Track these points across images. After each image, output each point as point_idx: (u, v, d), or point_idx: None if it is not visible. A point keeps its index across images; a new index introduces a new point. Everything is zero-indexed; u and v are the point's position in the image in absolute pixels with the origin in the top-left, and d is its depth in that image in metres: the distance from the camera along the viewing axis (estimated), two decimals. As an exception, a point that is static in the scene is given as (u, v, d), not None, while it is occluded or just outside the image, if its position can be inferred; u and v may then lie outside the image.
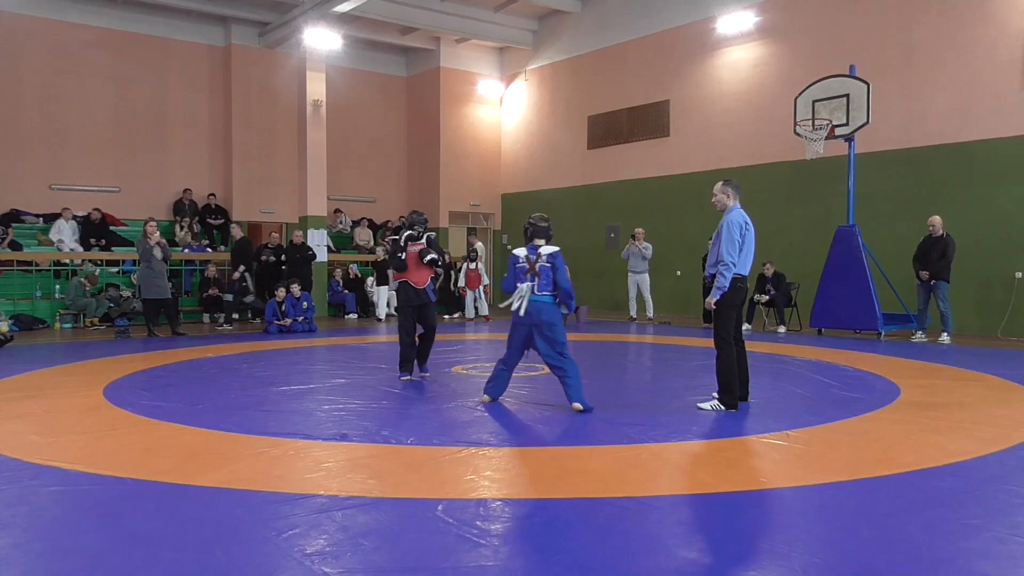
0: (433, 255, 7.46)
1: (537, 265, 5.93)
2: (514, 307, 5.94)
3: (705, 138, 15.63)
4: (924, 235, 11.27)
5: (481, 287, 15.91)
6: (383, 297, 15.16)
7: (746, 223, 5.90)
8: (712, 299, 5.95)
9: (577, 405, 5.88)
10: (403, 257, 7.42)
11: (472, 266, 15.75)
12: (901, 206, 12.78)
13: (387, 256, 7.72)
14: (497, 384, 6.28)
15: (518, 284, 6.00)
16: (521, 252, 6.07)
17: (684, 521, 3.56)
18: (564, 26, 18.69)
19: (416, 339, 7.65)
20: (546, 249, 5.98)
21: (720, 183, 6.15)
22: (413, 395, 6.89)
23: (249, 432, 5.24)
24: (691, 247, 15.17)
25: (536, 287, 5.91)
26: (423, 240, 7.53)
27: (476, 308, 15.91)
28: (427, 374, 7.80)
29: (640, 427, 5.43)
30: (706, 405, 5.94)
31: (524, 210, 19.42)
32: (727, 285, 5.79)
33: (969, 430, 5.32)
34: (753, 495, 3.94)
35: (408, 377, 7.57)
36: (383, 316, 15.07)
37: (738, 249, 5.80)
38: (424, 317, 7.57)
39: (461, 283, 15.88)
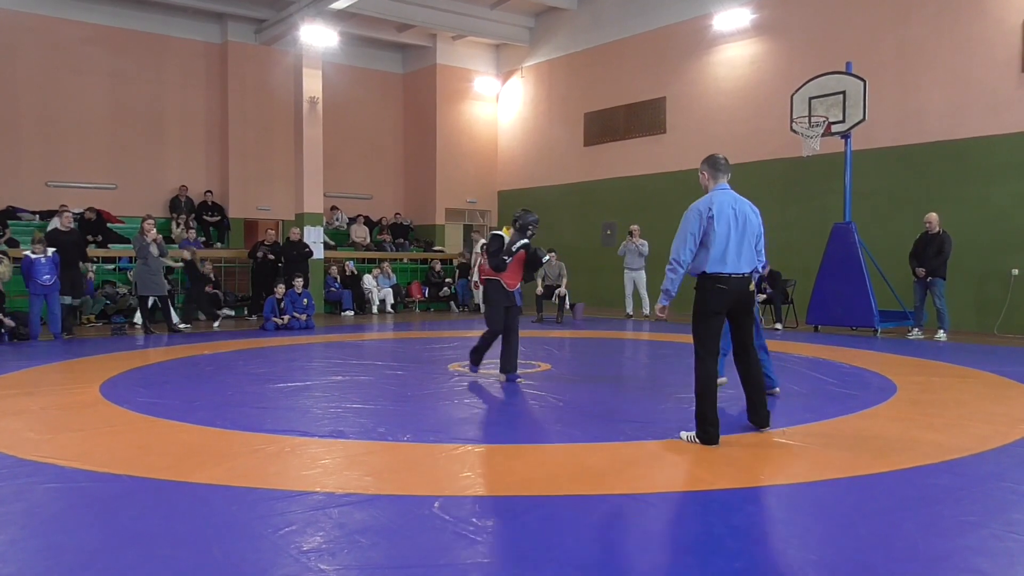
0: (542, 254, 7.48)
1: None
2: None
3: (701, 135, 15.61)
4: (920, 232, 11.28)
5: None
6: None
7: (711, 210, 4.88)
8: (658, 305, 5.32)
9: (776, 389, 6.28)
10: (508, 260, 7.29)
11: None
12: (897, 203, 12.79)
13: (485, 253, 7.61)
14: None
15: None
16: None
17: (680, 518, 3.56)
18: (560, 23, 18.67)
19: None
20: None
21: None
22: (410, 392, 6.88)
23: (245, 429, 5.24)
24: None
25: None
26: (527, 242, 7.44)
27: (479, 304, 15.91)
28: (520, 379, 7.30)
29: (636, 424, 5.44)
30: (684, 435, 5.00)
31: (520, 207, 19.40)
32: (672, 289, 5.10)
33: (966, 427, 5.33)
34: (750, 492, 3.94)
35: (477, 371, 7.64)
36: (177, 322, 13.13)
37: (691, 244, 4.96)
38: (509, 319, 7.41)
39: (476, 277, 15.91)
